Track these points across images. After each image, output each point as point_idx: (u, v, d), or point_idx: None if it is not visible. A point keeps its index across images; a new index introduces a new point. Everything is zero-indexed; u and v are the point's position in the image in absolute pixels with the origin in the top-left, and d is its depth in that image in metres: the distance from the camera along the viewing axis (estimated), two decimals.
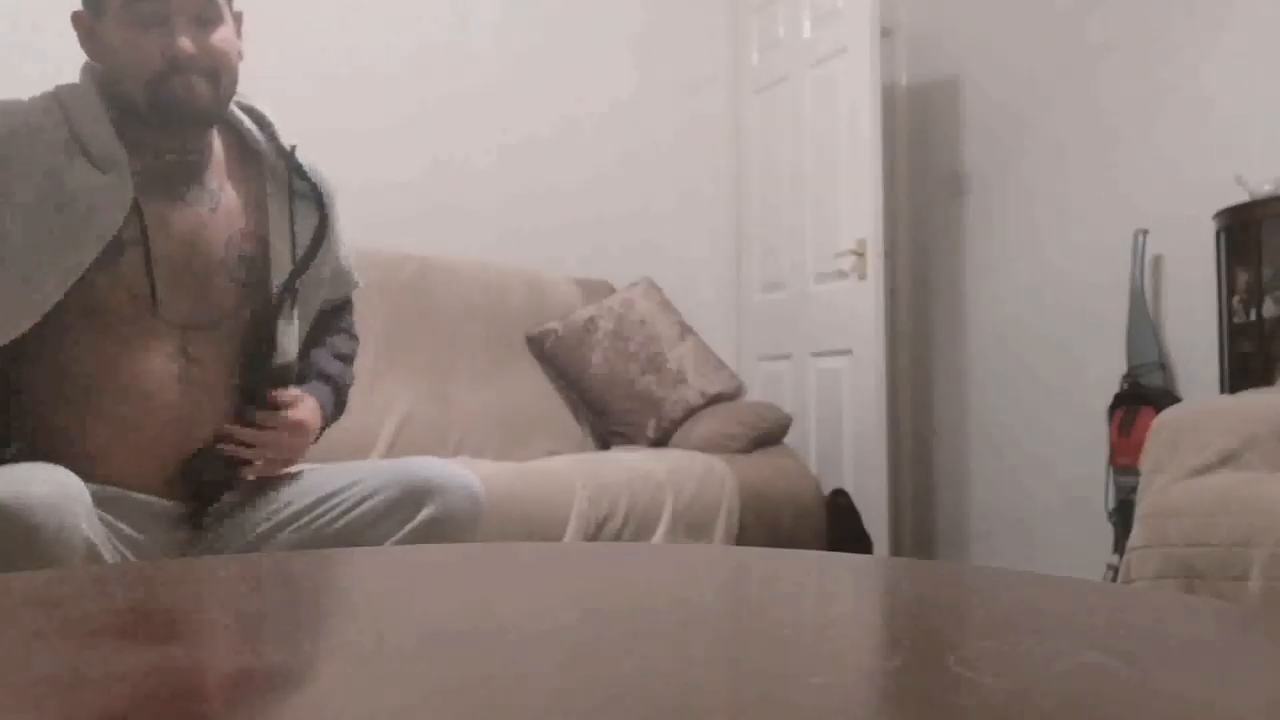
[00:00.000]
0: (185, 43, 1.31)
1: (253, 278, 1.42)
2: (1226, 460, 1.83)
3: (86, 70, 1.38)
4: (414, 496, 1.34)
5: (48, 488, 1.10)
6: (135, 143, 1.35)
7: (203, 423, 1.36)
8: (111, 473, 1.29)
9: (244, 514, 1.39)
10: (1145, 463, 1.92)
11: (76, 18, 1.36)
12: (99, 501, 1.23)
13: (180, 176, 1.38)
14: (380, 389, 2.67)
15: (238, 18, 1.41)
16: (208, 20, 1.34)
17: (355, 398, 2.57)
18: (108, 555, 1.18)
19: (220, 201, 1.41)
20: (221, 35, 1.36)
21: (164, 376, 1.32)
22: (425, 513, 1.33)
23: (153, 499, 1.33)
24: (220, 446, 1.37)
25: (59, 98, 1.35)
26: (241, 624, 0.67)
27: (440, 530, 1.33)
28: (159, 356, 1.33)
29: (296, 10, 2.90)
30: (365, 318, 2.73)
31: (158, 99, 1.32)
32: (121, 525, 1.28)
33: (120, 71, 1.34)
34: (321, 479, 1.40)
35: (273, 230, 1.43)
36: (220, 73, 1.35)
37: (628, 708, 0.49)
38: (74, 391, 1.30)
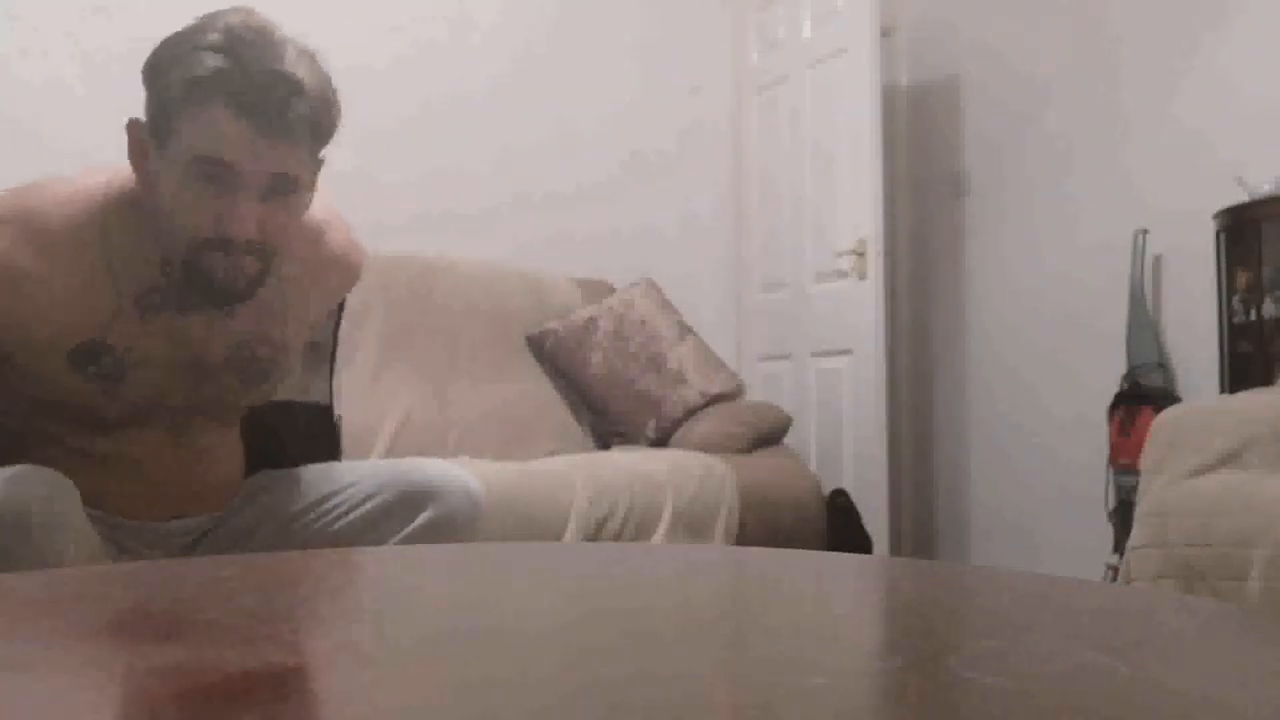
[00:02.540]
0: (248, 225, 1.16)
1: (262, 379, 1.35)
2: (1226, 460, 1.82)
3: (138, 187, 1.22)
4: (413, 500, 1.34)
5: (42, 488, 1.10)
6: (152, 260, 1.23)
7: (201, 469, 1.34)
8: (113, 508, 1.28)
9: (244, 517, 1.38)
10: (1145, 463, 1.92)
11: (133, 128, 1.19)
12: (100, 523, 1.22)
13: (197, 285, 1.24)
14: (380, 389, 2.67)
15: (319, 163, 1.26)
16: (279, 193, 1.19)
17: (356, 397, 2.59)
18: (103, 556, 1.17)
19: (239, 305, 1.28)
20: (290, 208, 1.22)
21: (154, 440, 1.29)
22: (424, 517, 1.33)
23: (157, 524, 1.33)
24: None
25: (105, 215, 1.21)
26: (242, 624, 0.67)
27: (439, 534, 1.33)
28: (149, 433, 1.29)
29: (296, 13, 2.89)
30: (366, 318, 2.75)
31: (195, 268, 1.19)
32: (128, 542, 1.28)
33: (163, 213, 1.18)
34: (320, 480, 1.40)
35: (295, 331, 1.38)
36: (275, 251, 1.22)
37: (628, 708, 0.49)
38: (60, 454, 1.25)
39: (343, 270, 1.44)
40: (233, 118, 1.12)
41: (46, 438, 1.26)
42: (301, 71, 1.16)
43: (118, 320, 1.22)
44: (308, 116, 1.16)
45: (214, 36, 1.13)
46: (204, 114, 1.12)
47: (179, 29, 1.16)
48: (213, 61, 1.12)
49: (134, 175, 1.22)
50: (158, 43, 1.18)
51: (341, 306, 1.55)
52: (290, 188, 1.20)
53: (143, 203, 1.21)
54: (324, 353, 1.52)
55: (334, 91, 1.20)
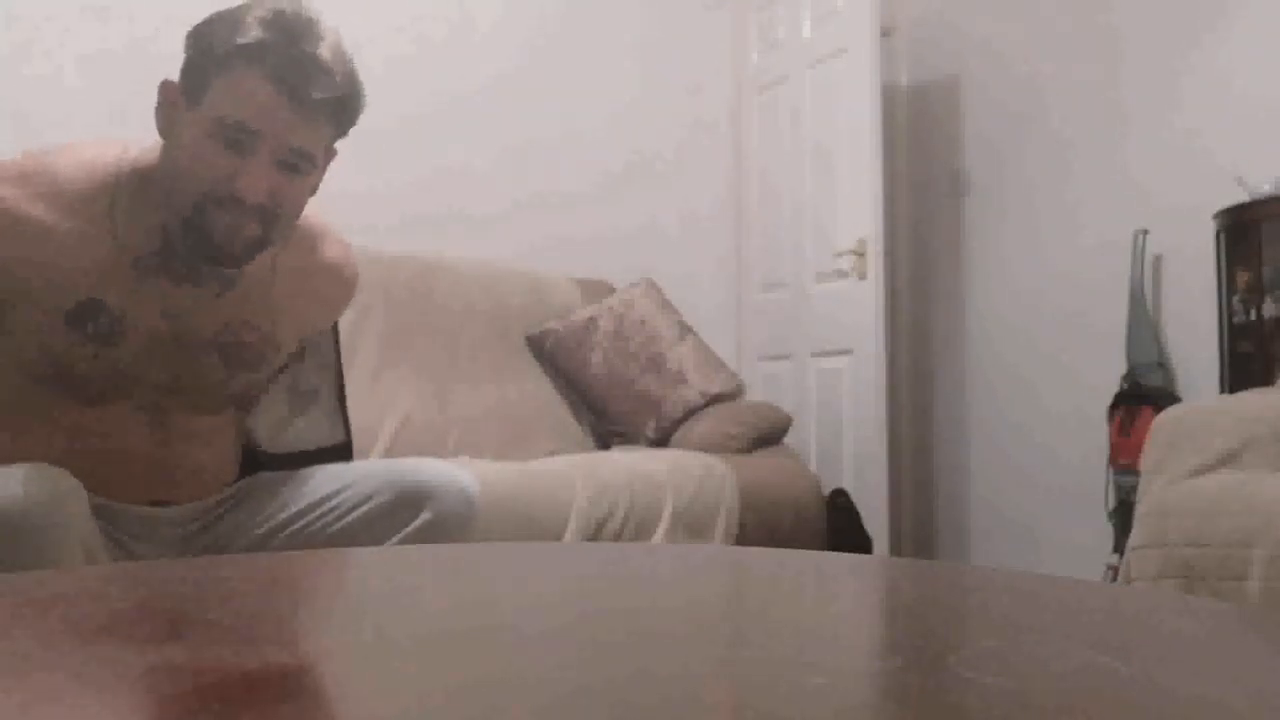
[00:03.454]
0: (256, 187, 1.20)
1: (245, 368, 1.36)
2: (1226, 460, 1.82)
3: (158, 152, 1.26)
4: (410, 501, 1.34)
5: (45, 488, 1.10)
6: (153, 226, 1.26)
7: (179, 452, 1.34)
8: (91, 489, 1.28)
9: (240, 517, 1.39)
10: (1145, 463, 1.92)
11: (166, 88, 1.24)
12: (94, 508, 1.22)
13: (194, 259, 1.27)
14: (380, 388, 2.67)
15: (331, 153, 1.30)
16: (294, 168, 1.23)
17: (356, 397, 2.58)
18: (105, 556, 1.17)
19: (234, 285, 1.32)
20: (300, 185, 1.25)
21: (130, 419, 1.30)
22: (421, 518, 1.34)
23: (144, 509, 1.33)
24: None
25: (118, 180, 1.25)
26: (241, 624, 0.67)
27: (435, 534, 1.33)
28: (126, 409, 1.29)
29: None
30: (366, 317, 2.75)
31: (197, 223, 1.21)
32: (116, 530, 1.28)
33: (177, 169, 1.22)
34: (317, 482, 1.40)
35: (285, 331, 1.39)
36: (279, 221, 1.25)
37: (628, 708, 0.49)
38: (47, 430, 1.26)
39: (337, 281, 1.46)
40: (267, 86, 1.18)
41: (30, 409, 1.27)
42: (337, 61, 1.22)
43: (114, 279, 1.25)
44: (335, 100, 1.22)
45: (264, 13, 1.20)
46: (240, 78, 1.18)
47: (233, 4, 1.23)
48: (258, 32, 1.18)
49: (148, 149, 1.27)
50: (203, 19, 1.24)
51: (338, 351, 1.56)
52: (305, 164, 1.24)
53: (155, 170, 1.25)
54: (307, 397, 1.53)
55: (361, 86, 1.27)
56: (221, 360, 1.33)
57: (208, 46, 1.20)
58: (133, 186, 1.25)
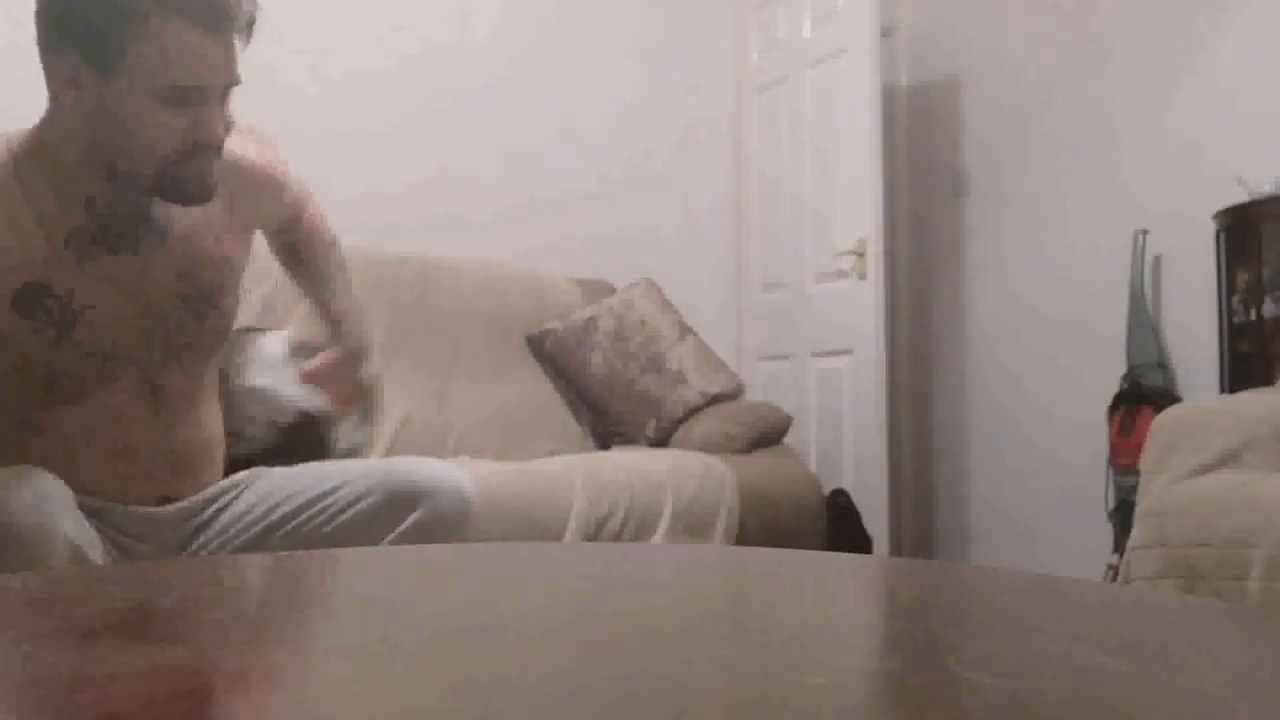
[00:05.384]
0: (216, 130, 1.20)
1: (212, 303, 1.36)
2: (1226, 460, 1.83)
3: (46, 128, 1.25)
4: (403, 500, 1.34)
5: (28, 490, 1.10)
6: (75, 200, 1.25)
7: (183, 436, 1.35)
8: (102, 491, 1.28)
9: (235, 516, 1.39)
10: (1145, 463, 1.92)
11: (53, 73, 1.21)
12: (92, 511, 1.22)
13: (126, 223, 1.28)
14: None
15: None
16: (231, 93, 1.23)
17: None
18: (95, 557, 1.17)
19: (169, 229, 1.31)
20: (230, 105, 1.25)
21: (132, 406, 1.30)
22: (414, 517, 1.34)
23: (147, 509, 1.33)
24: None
25: (17, 166, 1.23)
26: (241, 624, 0.67)
27: (429, 533, 1.33)
28: (123, 391, 1.29)
29: (297, 13, 2.90)
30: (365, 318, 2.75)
31: (169, 179, 1.22)
32: (115, 533, 1.28)
33: (126, 143, 1.20)
34: (311, 481, 1.39)
35: (231, 243, 1.38)
36: (224, 144, 1.26)
37: (627, 708, 0.49)
38: (49, 439, 1.27)
39: (252, 170, 1.41)
40: (193, 33, 1.16)
41: (28, 425, 1.27)
42: None
43: (53, 264, 1.23)
44: (246, 15, 1.20)
45: None
46: (161, 33, 1.14)
47: None
48: None
49: (25, 132, 1.25)
50: None
51: None
52: (237, 84, 1.24)
53: (57, 148, 1.23)
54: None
55: None
56: (190, 308, 1.33)
57: (104, 13, 1.15)
58: (35, 168, 1.24)
